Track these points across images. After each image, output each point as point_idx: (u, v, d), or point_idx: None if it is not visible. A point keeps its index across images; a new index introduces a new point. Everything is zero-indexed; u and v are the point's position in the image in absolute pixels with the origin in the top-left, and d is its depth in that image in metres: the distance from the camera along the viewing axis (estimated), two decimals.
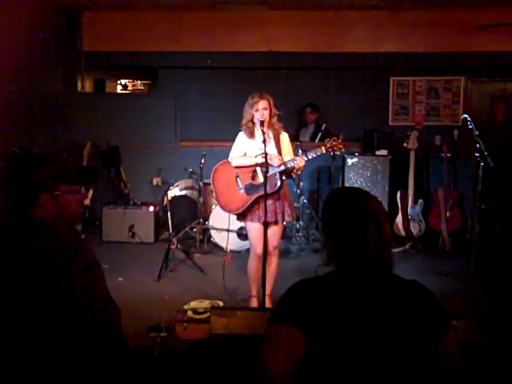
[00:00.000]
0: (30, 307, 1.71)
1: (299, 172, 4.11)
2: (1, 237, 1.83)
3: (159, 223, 6.48)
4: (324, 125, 6.66)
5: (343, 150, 3.93)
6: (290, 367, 1.48)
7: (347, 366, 1.49)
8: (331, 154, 3.97)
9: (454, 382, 1.62)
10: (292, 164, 3.91)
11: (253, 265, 4.12)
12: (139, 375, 1.82)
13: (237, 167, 4.06)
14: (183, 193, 6.48)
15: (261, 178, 3.98)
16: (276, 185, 3.92)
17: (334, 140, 3.89)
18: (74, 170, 1.97)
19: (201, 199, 6.04)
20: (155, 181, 6.77)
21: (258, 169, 4.00)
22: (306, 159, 3.92)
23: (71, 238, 1.86)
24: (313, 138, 6.93)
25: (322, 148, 3.89)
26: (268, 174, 3.80)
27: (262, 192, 3.91)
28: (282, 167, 3.89)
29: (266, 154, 3.67)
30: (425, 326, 1.56)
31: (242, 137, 4.07)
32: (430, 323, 1.57)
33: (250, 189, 4.01)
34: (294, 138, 6.55)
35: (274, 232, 3.97)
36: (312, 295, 1.56)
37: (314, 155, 3.92)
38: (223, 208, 4.19)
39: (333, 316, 1.52)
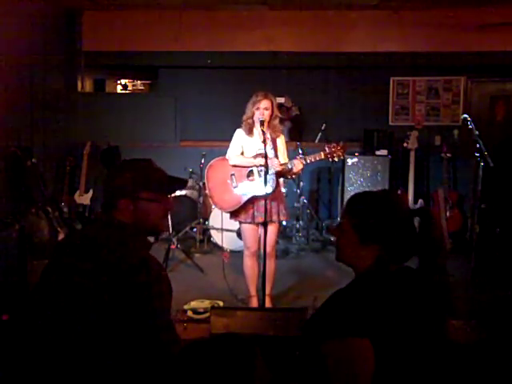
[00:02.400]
0: (87, 304, 1.69)
1: (294, 176, 4.12)
2: (78, 233, 1.90)
3: None
4: (324, 125, 6.66)
5: (342, 157, 3.92)
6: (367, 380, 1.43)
7: (413, 369, 1.50)
8: (330, 160, 3.96)
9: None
10: (290, 166, 3.92)
11: (248, 264, 4.12)
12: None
13: (234, 166, 4.06)
14: (183, 193, 6.48)
15: (257, 179, 3.99)
16: (272, 185, 3.92)
17: (334, 146, 3.89)
18: (158, 179, 1.94)
19: (201, 199, 6.04)
20: None
21: (255, 169, 4.01)
22: (305, 163, 3.93)
23: (141, 248, 1.83)
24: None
25: (322, 154, 3.90)
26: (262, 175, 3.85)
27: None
28: (278, 169, 3.90)
29: (266, 154, 3.68)
30: (437, 311, 1.62)
31: (239, 133, 4.07)
32: (439, 307, 1.63)
33: (244, 188, 4.02)
34: (296, 138, 6.59)
35: (270, 231, 3.97)
36: (370, 301, 1.51)
37: (313, 160, 3.93)
38: (217, 206, 4.20)
39: (391, 317, 1.50)
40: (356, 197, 1.75)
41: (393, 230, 1.62)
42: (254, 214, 3.96)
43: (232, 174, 4.06)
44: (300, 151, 5.90)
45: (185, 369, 1.13)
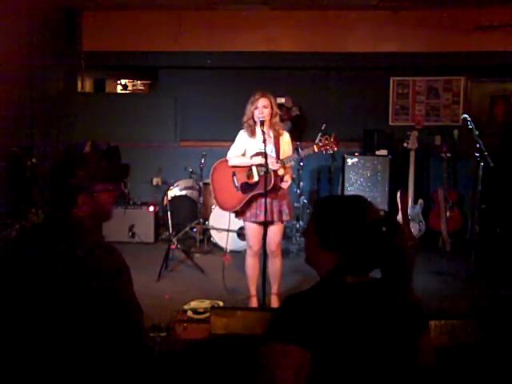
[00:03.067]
0: (58, 302, 1.72)
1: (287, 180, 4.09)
2: (34, 236, 1.86)
3: (159, 223, 6.48)
4: (324, 125, 6.66)
5: (336, 149, 3.91)
6: None
7: (352, 377, 1.47)
8: (324, 152, 3.95)
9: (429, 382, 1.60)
10: (288, 163, 3.92)
11: (250, 263, 4.12)
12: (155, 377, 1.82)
13: (233, 166, 4.07)
14: (183, 193, 6.48)
15: (255, 177, 3.99)
16: (270, 183, 3.91)
17: (326, 139, 3.88)
18: (107, 169, 2.00)
19: (201, 199, 6.04)
20: (155, 181, 6.77)
21: (254, 168, 4.01)
22: (297, 157, 3.94)
23: (103, 238, 1.90)
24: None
25: (314, 147, 3.89)
26: (262, 173, 3.87)
27: (256, 191, 3.93)
28: (275, 167, 3.89)
29: (265, 154, 3.68)
30: (407, 328, 1.53)
31: (242, 135, 4.07)
32: (410, 324, 1.54)
33: (245, 188, 4.03)
34: (297, 138, 6.58)
35: (274, 231, 3.97)
36: (310, 310, 1.49)
37: (306, 154, 3.94)
38: (220, 206, 4.22)
39: (334, 329, 1.47)
40: (322, 201, 1.74)
41: (351, 238, 1.56)
42: (256, 212, 3.96)
43: (234, 175, 4.07)
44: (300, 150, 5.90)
45: (188, 370, 1.13)
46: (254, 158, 3.96)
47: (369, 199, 1.67)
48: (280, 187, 3.97)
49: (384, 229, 1.53)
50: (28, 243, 1.84)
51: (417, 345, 1.55)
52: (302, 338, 1.43)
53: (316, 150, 3.88)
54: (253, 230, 4.04)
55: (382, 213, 1.63)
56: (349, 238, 1.57)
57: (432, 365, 1.60)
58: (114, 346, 1.75)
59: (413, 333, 1.54)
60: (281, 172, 3.96)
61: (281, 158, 3.97)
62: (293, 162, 4.05)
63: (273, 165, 3.85)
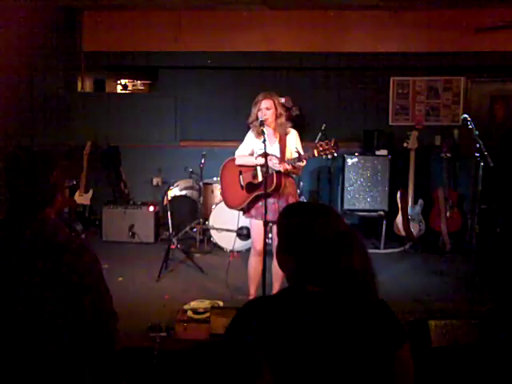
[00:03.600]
0: (34, 303, 1.73)
1: (295, 172, 4.10)
2: (4, 235, 1.83)
3: (159, 223, 6.48)
4: (324, 125, 6.66)
5: (335, 154, 3.90)
6: None
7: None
8: (323, 157, 3.94)
9: None
10: (294, 163, 3.92)
11: (253, 263, 4.13)
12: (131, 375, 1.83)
13: (239, 165, 4.11)
14: (183, 193, 6.47)
15: (260, 178, 4.01)
16: (272, 182, 3.91)
17: (327, 144, 3.87)
18: (69, 166, 2.03)
19: (201, 199, 6.04)
20: (155, 181, 6.77)
21: (258, 168, 4.03)
22: (299, 162, 3.93)
23: (71, 234, 1.90)
24: None
25: (315, 151, 3.87)
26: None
27: (260, 191, 3.94)
28: (277, 168, 3.89)
29: (266, 154, 3.68)
30: (380, 341, 1.51)
31: (250, 135, 4.13)
32: (386, 338, 1.51)
33: (250, 187, 4.08)
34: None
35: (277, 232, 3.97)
36: (271, 317, 1.49)
37: (306, 158, 3.93)
38: (225, 203, 4.32)
39: (291, 337, 1.47)
40: (289, 206, 1.76)
41: (301, 246, 1.55)
42: (263, 212, 3.96)
43: (240, 174, 4.12)
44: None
45: (188, 373, 1.12)
46: (259, 159, 3.97)
47: (338, 211, 1.66)
48: (280, 187, 3.97)
49: (335, 245, 1.50)
50: (4, 244, 1.80)
51: (393, 359, 1.51)
52: (258, 342, 1.44)
53: (316, 154, 3.86)
54: (257, 229, 4.06)
55: (345, 229, 1.57)
56: (299, 246, 1.56)
57: (410, 381, 1.57)
58: (83, 337, 1.77)
59: (381, 347, 1.51)
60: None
61: (287, 157, 3.98)
62: (304, 162, 4.01)
63: (275, 165, 3.86)
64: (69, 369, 1.75)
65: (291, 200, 4.01)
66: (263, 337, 1.46)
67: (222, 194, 4.35)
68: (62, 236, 1.82)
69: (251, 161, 4.05)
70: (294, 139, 4.10)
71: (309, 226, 1.56)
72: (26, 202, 1.84)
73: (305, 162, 3.99)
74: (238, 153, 4.16)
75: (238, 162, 4.13)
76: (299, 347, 1.46)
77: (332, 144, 3.84)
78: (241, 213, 4.26)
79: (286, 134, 4.06)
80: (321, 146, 3.86)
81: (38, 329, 1.72)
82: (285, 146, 4.02)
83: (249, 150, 4.11)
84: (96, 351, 1.79)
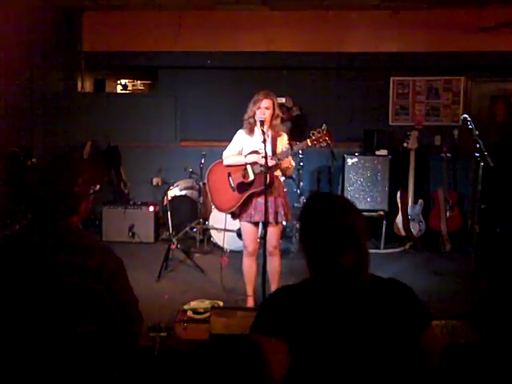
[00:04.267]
0: (60, 314, 1.72)
1: (287, 169, 4.08)
2: (27, 243, 1.79)
3: (159, 223, 6.48)
4: (324, 125, 6.66)
5: (329, 141, 3.90)
6: (276, 379, 1.45)
7: (332, 372, 1.48)
8: (317, 146, 3.93)
9: (434, 379, 1.61)
10: (284, 158, 3.91)
11: (247, 264, 4.13)
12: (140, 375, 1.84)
13: (228, 166, 4.07)
14: (183, 193, 6.47)
15: (251, 176, 3.99)
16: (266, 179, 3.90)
17: (319, 132, 3.87)
18: (94, 172, 2.00)
19: (201, 199, 6.04)
20: (155, 181, 6.77)
21: (249, 167, 4.01)
22: (292, 151, 3.92)
23: (96, 239, 1.91)
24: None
25: (308, 141, 3.87)
26: (257, 172, 3.89)
27: (252, 189, 3.93)
28: (273, 162, 3.88)
29: (266, 154, 3.68)
30: (405, 325, 1.54)
31: (240, 134, 4.09)
32: (409, 321, 1.55)
33: (241, 187, 4.02)
34: (297, 138, 6.58)
35: (271, 232, 3.96)
36: (293, 304, 1.54)
37: (300, 148, 3.93)
38: (217, 207, 4.23)
39: (315, 324, 1.50)
40: (312, 195, 1.84)
41: (307, 240, 1.63)
42: (251, 213, 3.96)
43: (229, 175, 4.07)
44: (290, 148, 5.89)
45: (192, 372, 1.12)
46: (249, 156, 3.96)
47: (352, 201, 1.69)
48: (273, 184, 3.95)
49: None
50: (29, 253, 1.77)
51: (417, 341, 1.55)
52: (283, 331, 1.48)
53: (309, 143, 3.85)
54: (248, 231, 4.05)
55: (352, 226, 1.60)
56: (306, 235, 1.63)
57: (436, 362, 1.61)
58: (111, 336, 1.77)
59: (407, 329, 1.54)
60: (277, 173, 3.97)
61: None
62: (290, 158, 4.00)
63: (269, 162, 3.84)
64: (96, 370, 1.75)
65: (280, 200, 4.00)
66: (292, 323, 1.49)
67: (213, 199, 4.21)
68: (86, 244, 1.81)
69: (241, 159, 4.00)
70: (284, 143, 4.09)
71: (309, 214, 1.63)
72: (49, 212, 1.82)
73: (291, 159, 3.96)
74: (226, 153, 4.10)
75: (226, 162, 4.07)
76: (326, 332, 1.49)
77: (324, 132, 3.84)
78: None
79: (278, 135, 4.06)
80: (313, 134, 3.86)
81: (66, 336, 1.71)
82: (276, 146, 4.02)
83: (238, 149, 4.06)
84: (121, 352, 1.78)
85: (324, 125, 3.91)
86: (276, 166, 3.94)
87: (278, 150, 4.02)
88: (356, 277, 1.54)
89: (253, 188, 3.95)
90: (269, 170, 3.82)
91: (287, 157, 3.94)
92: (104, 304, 1.74)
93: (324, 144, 3.90)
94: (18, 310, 1.73)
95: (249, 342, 1.17)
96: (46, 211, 1.82)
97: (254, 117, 3.96)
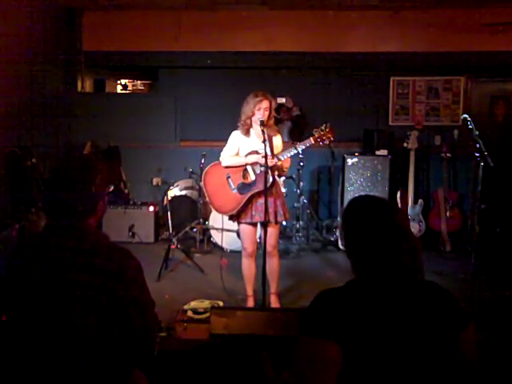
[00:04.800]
0: (77, 318, 1.69)
1: (283, 171, 4.10)
2: (44, 245, 1.76)
3: (159, 223, 6.48)
4: (324, 125, 6.66)
5: (332, 138, 3.93)
6: (330, 383, 1.46)
7: (383, 373, 1.49)
8: (321, 143, 3.95)
9: (475, 377, 1.63)
10: (280, 158, 3.92)
11: (246, 264, 4.13)
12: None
13: (227, 167, 4.06)
14: (183, 193, 6.47)
15: (252, 177, 3.99)
16: (268, 180, 3.91)
17: (321, 130, 3.90)
18: (108, 171, 1.98)
19: (201, 199, 6.04)
20: (155, 181, 6.77)
21: (249, 167, 4.01)
22: (296, 151, 3.93)
23: (113, 243, 1.86)
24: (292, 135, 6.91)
25: (311, 139, 3.90)
26: (258, 172, 3.90)
27: (254, 190, 3.93)
28: (273, 162, 3.89)
29: (266, 154, 3.68)
30: (445, 325, 1.58)
31: (236, 135, 4.08)
32: (449, 322, 1.59)
33: (242, 188, 4.01)
34: (297, 138, 6.58)
35: (270, 232, 3.97)
36: (343, 306, 1.54)
37: (304, 147, 3.93)
38: (218, 210, 4.20)
39: (365, 325, 1.50)
40: (351, 200, 1.80)
41: (352, 238, 1.63)
42: (252, 213, 3.96)
43: (228, 177, 4.06)
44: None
45: (193, 371, 1.13)
46: (249, 157, 3.96)
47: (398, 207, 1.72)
48: (274, 184, 3.97)
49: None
50: (45, 255, 1.74)
51: (457, 341, 1.58)
52: (334, 332, 1.47)
53: (313, 141, 3.88)
54: (247, 232, 4.05)
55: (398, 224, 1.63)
56: (350, 237, 1.62)
57: (475, 359, 1.63)
58: (130, 342, 1.75)
59: (448, 329, 1.57)
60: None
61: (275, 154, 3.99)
62: (291, 154, 4.01)
63: (270, 162, 3.85)
64: (113, 374, 1.73)
65: (278, 201, 4.01)
66: (343, 327, 1.49)
67: (212, 202, 4.17)
68: (106, 245, 1.78)
69: (241, 160, 4.00)
70: (278, 143, 4.12)
71: (356, 219, 1.64)
72: (67, 214, 1.77)
73: (288, 156, 3.98)
74: (224, 154, 4.09)
75: (225, 163, 4.06)
76: (378, 333, 1.50)
77: (327, 129, 3.87)
78: None
79: (274, 135, 4.07)
80: (316, 132, 3.88)
81: (84, 340, 1.68)
82: (273, 146, 4.03)
83: (235, 150, 4.06)
84: (138, 357, 1.77)
85: (328, 123, 3.94)
86: (276, 166, 3.95)
87: (275, 149, 4.03)
88: (415, 275, 1.58)
89: (254, 188, 3.95)
90: (271, 170, 3.84)
91: (287, 156, 3.95)
92: (124, 307, 1.71)
93: (327, 142, 3.93)
94: (37, 313, 1.70)
95: (250, 344, 1.17)
96: (63, 213, 1.77)
97: (251, 118, 3.96)
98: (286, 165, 4.02)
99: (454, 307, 1.63)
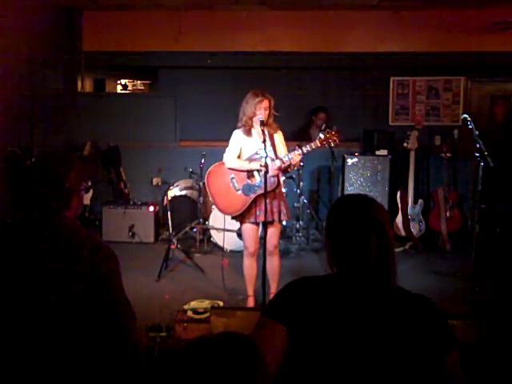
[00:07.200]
0: (51, 305, 1.72)
1: (295, 168, 4.13)
2: (18, 236, 1.80)
3: (159, 223, 6.48)
4: (324, 125, 6.67)
5: (338, 141, 3.92)
6: (274, 361, 1.50)
7: (330, 371, 1.48)
8: (326, 146, 3.96)
9: None
10: (287, 159, 3.92)
11: (247, 264, 4.13)
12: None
13: (231, 169, 4.07)
14: (183, 193, 6.47)
15: (257, 178, 3.99)
16: (274, 182, 3.92)
17: (328, 132, 3.89)
18: (85, 167, 2.00)
19: (201, 199, 6.04)
20: (155, 181, 6.77)
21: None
22: (300, 152, 3.92)
23: (89, 233, 1.89)
24: None
25: (317, 141, 3.89)
26: (263, 173, 3.86)
27: (260, 191, 3.92)
28: (276, 172, 3.90)
29: (266, 154, 3.68)
30: (427, 344, 1.50)
31: (238, 135, 4.07)
32: (433, 341, 1.50)
33: (247, 189, 4.01)
34: (296, 138, 6.58)
35: (272, 231, 3.98)
36: (307, 295, 1.56)
37: (310, 149, 3.92)
38: (223, 211, 4.18)
39: (324, 318, 1.50)
40: (340, 197, 1.87)
41: (331, 236, 1.62)
42: (256, 213, 3.96)
43: (232, 178, 4.06)
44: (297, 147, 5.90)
45: (185, 367, 1.12)
46: (252, 163, 3.95)
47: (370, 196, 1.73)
48: (279, 185, 3.99)
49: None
50: (22, 246, 1.77)
51: (441, 364, 1.52)
52: (284, 317, 1.54)
53: (319, 144, 3.87)
54: (250, 232, 4.05)
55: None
56: (329, 234, 1.63)
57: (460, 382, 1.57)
58: (98, 342, 1.76)
59: (435, 351, 1.51)
60: (297, 159, 3.96)
61: (278, 155, 3.99)
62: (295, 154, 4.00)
63: (273, 171, 3.86)
64: (84, 369, 1.75)
65: (280, 200, 4.02)
66: (289, 311, 1.55)
67: (216, 203, 4.16)
68: (81, 234, 1.82)
69: (246, 166, 3.99)
70: (280, 140, 4.13)
71: (334, 215, 1.66)
72: (40, 207, 1.82)
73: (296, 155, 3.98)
74: (227, 156, 4.07)
75: (229, 165, 4.05)
76: (333, 329, 1.50)
77: (334, 132, 3.87)
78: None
79: (274, 132, 4.08)
80: (322, 134, 3.88)
81: (54, 330, 1.71)
82: (274, 144, 4.04)
83: (238, 151, 4.06)
84: (113, 352, 1.78)
85: (335, 126, 3.93)
86: (285, 165, 3.95)
87: (277, 147, 4.04)
88: (382, 265, 1.53)
89: (260, 190, 3.94)
90: (280, 171, 3.84)
91: (292, 157, 3.96)
92: (94, 298, 1.74)
93: (333, 144, 3.93)
94: (12, 303, 1.73)
95: (245, 338, 1.17)
96: (37, 206, 1.82)
97: (252, 118, 3.97)
98: (297, 159, 3.97)
99: (441, 327, 1.54)
